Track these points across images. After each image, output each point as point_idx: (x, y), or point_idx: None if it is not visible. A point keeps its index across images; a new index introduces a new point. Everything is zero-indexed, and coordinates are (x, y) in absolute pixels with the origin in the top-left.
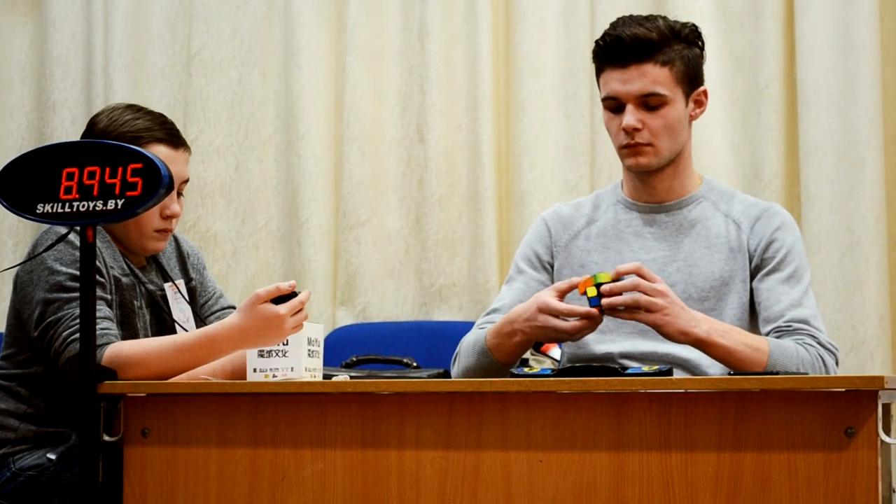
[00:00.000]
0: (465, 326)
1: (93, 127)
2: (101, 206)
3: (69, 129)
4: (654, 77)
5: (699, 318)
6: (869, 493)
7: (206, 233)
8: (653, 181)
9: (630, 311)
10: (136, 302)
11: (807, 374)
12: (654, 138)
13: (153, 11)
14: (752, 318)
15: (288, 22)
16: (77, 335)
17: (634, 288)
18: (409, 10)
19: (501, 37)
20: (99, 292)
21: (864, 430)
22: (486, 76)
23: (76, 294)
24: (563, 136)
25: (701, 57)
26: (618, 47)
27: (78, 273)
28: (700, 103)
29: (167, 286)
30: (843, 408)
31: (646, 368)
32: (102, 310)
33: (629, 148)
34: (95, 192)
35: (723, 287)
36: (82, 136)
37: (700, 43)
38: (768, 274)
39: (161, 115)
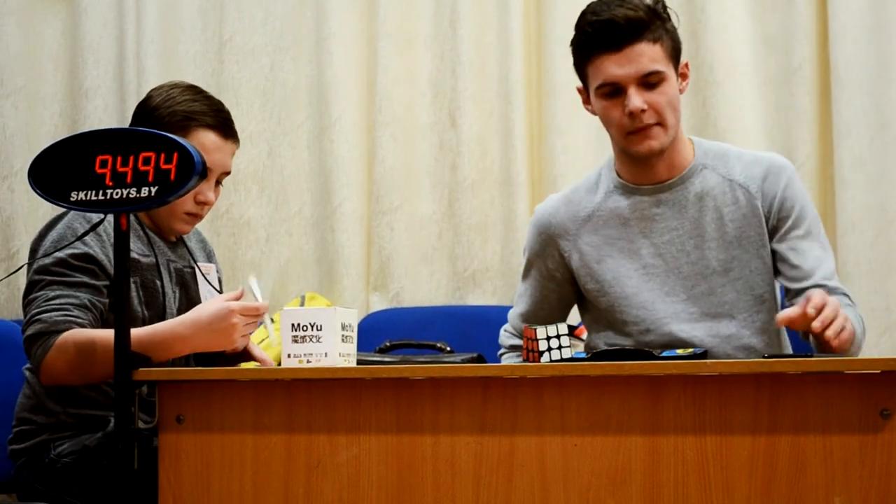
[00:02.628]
0: (499, 310)
1: (147, 101)
2: (134, 193)
3: (102, 117)
4: (650, 55)
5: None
6: None
7: (239, 219)
8: (654, 161)
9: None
10: (158, 281)
11: (861, 335)
12: (660, 116)
13: None
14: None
15: (319, 8)
16: (42, 316)
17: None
18: None
19: (533, 21)
20: (85, 279)
21: None
22: (517, 60)
23: (59, 277)
24: (595, 119)
25: (677, 35)
26: (611, 31)
27: (65, 257)
28: (685, 76)
29: (198, 266)
30: (878, 389)
31: (680, 352)
32: (77, 296)
33: (637, 133)
34: (129, 180)
35: (743, 254)
36: (134, 111)
37: (670, 16)
38: (787, 233)
39: (219, 103)
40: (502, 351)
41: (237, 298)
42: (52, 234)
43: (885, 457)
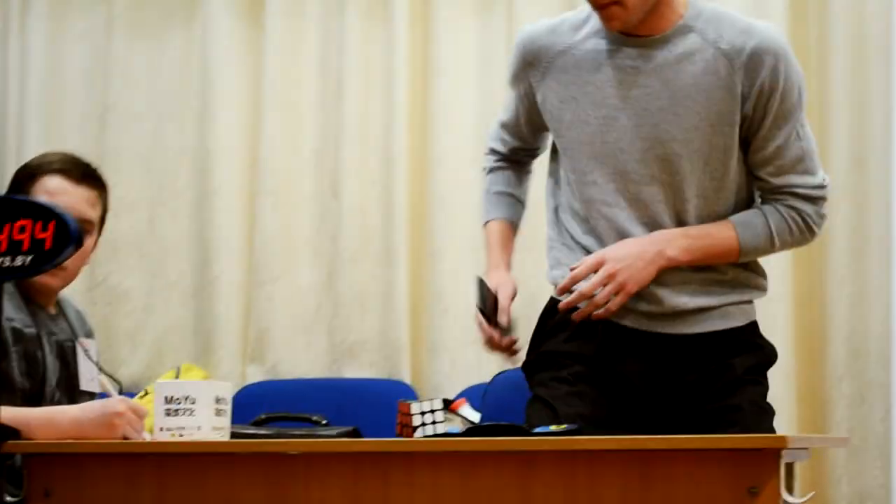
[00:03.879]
0: (376, 383)
1: (16, 171)
2: (8, 261)
3: None
4: None
5: (652, 254)
6: None
7: (116, 288)
8: None
9: (601, 309)
10: (39, 353)
11: (785, 242)
12: None
13: (69, 61)
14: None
15: (204, 73)
16: None
17: (581, 297)
18: (326, 64)
19: (418, 91)
20: None
21: (767, 489)
22: (401, 130)
23: None
24: (478, 191)
25: None
26: None
27: None
28: None
29: (79, 341)
30: (746, 467)
31: (553, 427)
32: None
33: (601, 10)
34: (3, 248)
35: (709, 128)
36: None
37: None
38: (761, 123)
39: (73, 155)
40: (487, 155)
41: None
42: None
43: None
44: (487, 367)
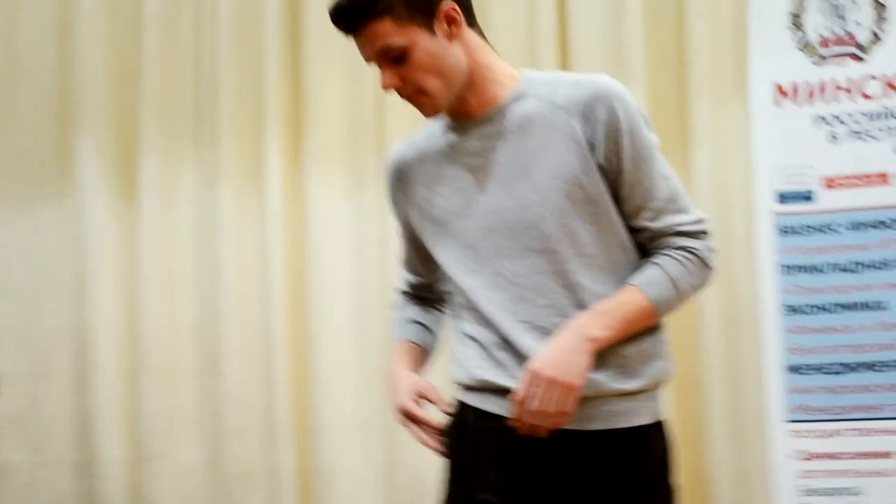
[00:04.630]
0: None
1: None
2: None
3: None
4: (381, 31)
5: (577, 343)
6: None
7: (1, 463)
8: (458, 104)
9: (546, 421)
10: None
11: (689, 285)
12: (416, 86)
13: None
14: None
15: (79, 250)
16: None
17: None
18: (202, 240)
19: (294, 269)
20: None
21: None
22: (279, 307)
23: None
24: (357, 368)
25: None
26: (339, 20)
27: None
28: (451, 19)
29: None
30: None
31: None
32: None
33: (410, 102)
34: None
35: (563, 184)
36: None
37: None
38: (619, 165)
39: None
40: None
41: None
42: None
43: None
44: None
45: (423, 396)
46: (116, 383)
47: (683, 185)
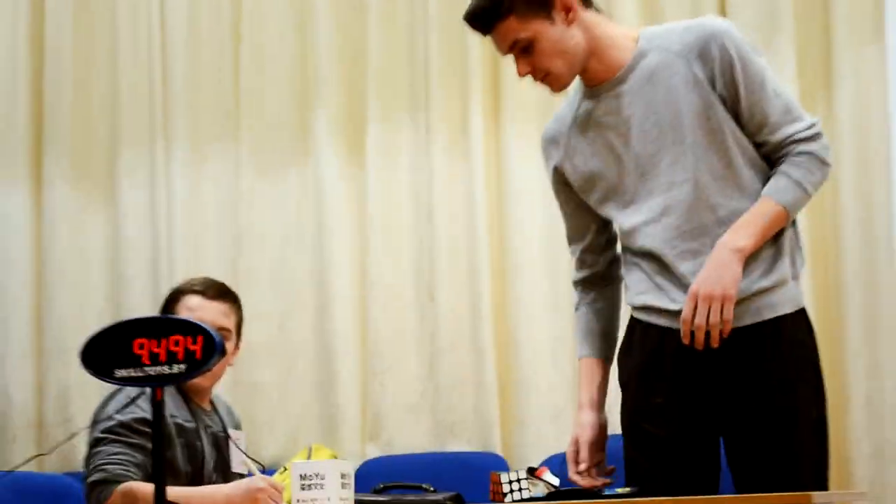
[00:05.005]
0: (473, 455)
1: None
2: (167, 370)
3: (139, 300)
4: (507, 29)
5: (727, 257)
6: None
7: (255, 384)
8: (588, 73)
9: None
10: (198, 443)
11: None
12: (544, 70)
13: (206, 199)
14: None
15: (319, 206)
16: (105, 467)
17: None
18: (419, 195)
19: (494, 214)
20: (142, 441)
21: None
22: (483, 246)
23: (120, 437)
24: (549, 292)
25: None
26: (474, 23)
27: (126, 420)
28: (567, 7)
29: (229, 433)
30: None
31: (619, 490)
32: (134, 455)
33: (542, 83)
34: (162, 358)
35: (696, 119)
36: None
37: None
38: (737, 92)
39: (208, 278)
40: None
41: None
42: (113, 404)
43: None
44: (564, 438)
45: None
46: (351, 313)
47: (825, 124)
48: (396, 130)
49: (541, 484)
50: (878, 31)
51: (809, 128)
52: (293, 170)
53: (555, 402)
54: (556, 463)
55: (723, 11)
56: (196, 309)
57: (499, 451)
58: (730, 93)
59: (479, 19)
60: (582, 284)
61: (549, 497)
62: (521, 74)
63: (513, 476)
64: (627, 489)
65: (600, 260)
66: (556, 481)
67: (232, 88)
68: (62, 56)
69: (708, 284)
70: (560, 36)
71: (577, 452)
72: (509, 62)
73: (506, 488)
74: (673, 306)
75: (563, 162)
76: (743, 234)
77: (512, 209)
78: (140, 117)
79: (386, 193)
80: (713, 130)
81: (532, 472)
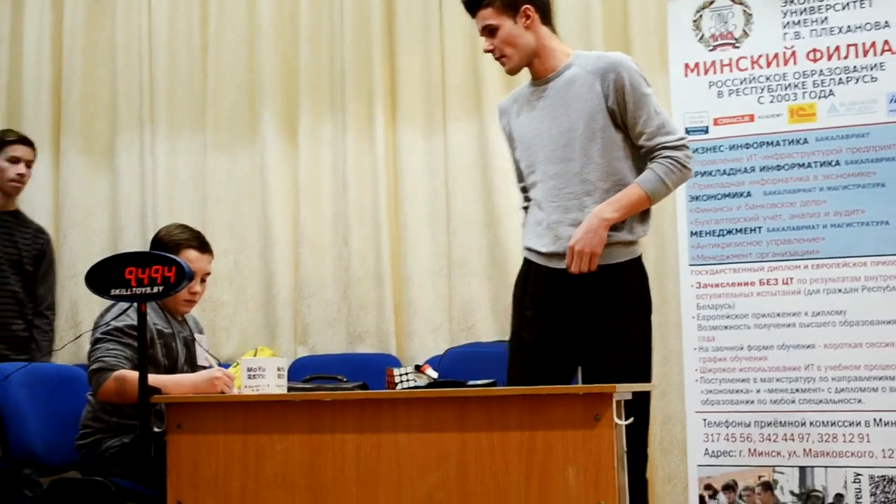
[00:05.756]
0: (375, 356)
1: (157, 235)
2: (149, 290)
3: (132, 241)
4: (485, 16)
5: (596, 224)
6: (610, 453)
7: (217, 302)
8: (533, 69)
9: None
10: (173, 343)
11: (668, 186)
12: (500, 52)
13: (181, 170)
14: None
15: (263, 178)
16: (103, 358)
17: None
18: (336, 169)
19: (391, 187)
20: (130, 341)
21: (606, 416)
22: (382, 204)
23: (114, 338)
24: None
25: None
26: (465, 6)
27: (120, 326)
28: (527, 16)
29: (196, 336)
30: (593, 403)
31: (479, 382)
32: (125, 351)
33: (497, 59)
34: (146, 282)
35: (588, 118)
36: (151, 241)
37: None
38: (625, 107)
39: (197, 231)
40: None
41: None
42: (109, 314)
43: (597, 443)
44: (442, 345)
45: None
46: (287, 253)
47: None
48: (321, 123)
49: (424, 376)
50: (664, 64)
51: (678, 140)
52: (245, 150)
53: (434, 319)
54: (435, 362)
55: None
56: (194, 260)
57: (394, 353)
58: (620, 107)
59: (469, 5)
60: (524, 207)
61: (428, 386)
62: (486, 51)
63: (403, 371)
64: (486, 381)
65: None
66: (435, 375)
67: (200, 88)
68: (74, 61)
69: (581, 243)
70: (517, 33)
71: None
72: (404, 77)
73: (398, 379)
74: (543, 249)
75: (509, 125)
76: (612, 208)
77: (403, 182)
78: (132, 108)
79: (313, 168)
80: (596, 129)
81: (418, 368)
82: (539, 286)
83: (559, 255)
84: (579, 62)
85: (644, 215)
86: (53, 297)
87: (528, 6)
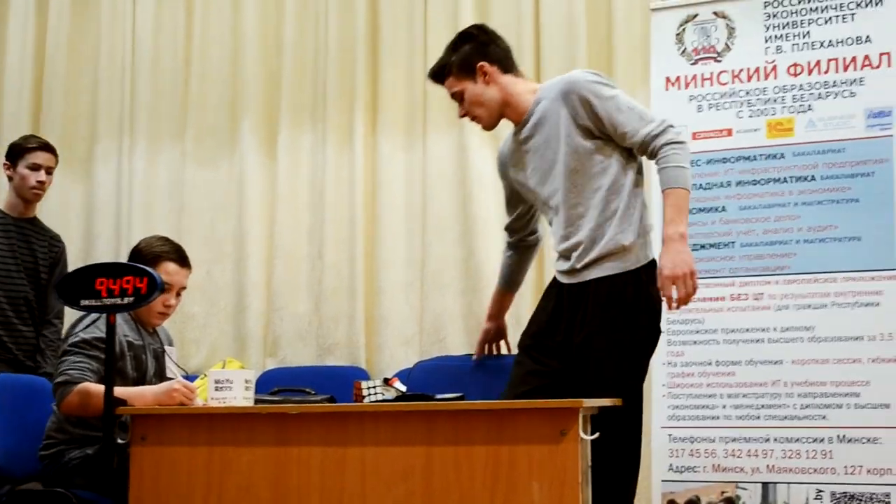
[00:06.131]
0: (344, 369)
1: (137, 247)
2: (119, 301)
3: (106, 250)
4: (449, 84)
5: (677, 243)
6: (575, 468)
7: (187, 314)
8: (508, 117)
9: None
10: (143, 356)
11: (685, 167)
12: (470, 113)
13: (159, 180)
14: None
15: (241, 189)
16: (67, 371)
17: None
18: (314, 180)
19: (368, 197)
20: (98, 354)
21: (572, 431)
22: (358, 217)
23: (82, 350)
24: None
25: (470, 51)
26: (431, 79)
27: (88, 338)
28: (485, 73)
29: (166, 348)
30: (559, 418)
31: (447, 396)
32: (90, 364)
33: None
34: (116, 293)
35: (566, 143)
36: (130, 252)
37: (466, 42)
38: (598, 118)
39: (177, 244)
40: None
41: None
42: (79, 326)
43: (563, 457)
44: (412, 358)
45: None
46: (260, 265)
47: None
48: (300, 134)
49: (392, 390)
50: (646, 77)
51: (659, 125)
52: (224, 161)
53: (405, 332)
54: (404, 375)
55: (537, 67)
56: (173, 273)
57: (364, 366)
58: (594, 121)
59: (434, 76)
60: (507, 244)
61: (396, 399)
62: (460, 116)
63: (371, 384)
64: (454, 395)
65: (518, 233)
66: (403, 388)
67: (181, 100)
68: (56, 71)
69: (670, 267)
70: (480, 91)
71: (480, 342)
72: (386, 90)
73: (365, 392)
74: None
75: (506, 170)
76: (675, 221)
77: (381, 194)
78: (112, 118)
79: (290, 180)
80: (575, 150)
81: (386, 381)
82: (551, 297)
83: (564, 272)
84: (545, 94)
85: (624, 221)
86: (63, 306)
87: (482, 63)
